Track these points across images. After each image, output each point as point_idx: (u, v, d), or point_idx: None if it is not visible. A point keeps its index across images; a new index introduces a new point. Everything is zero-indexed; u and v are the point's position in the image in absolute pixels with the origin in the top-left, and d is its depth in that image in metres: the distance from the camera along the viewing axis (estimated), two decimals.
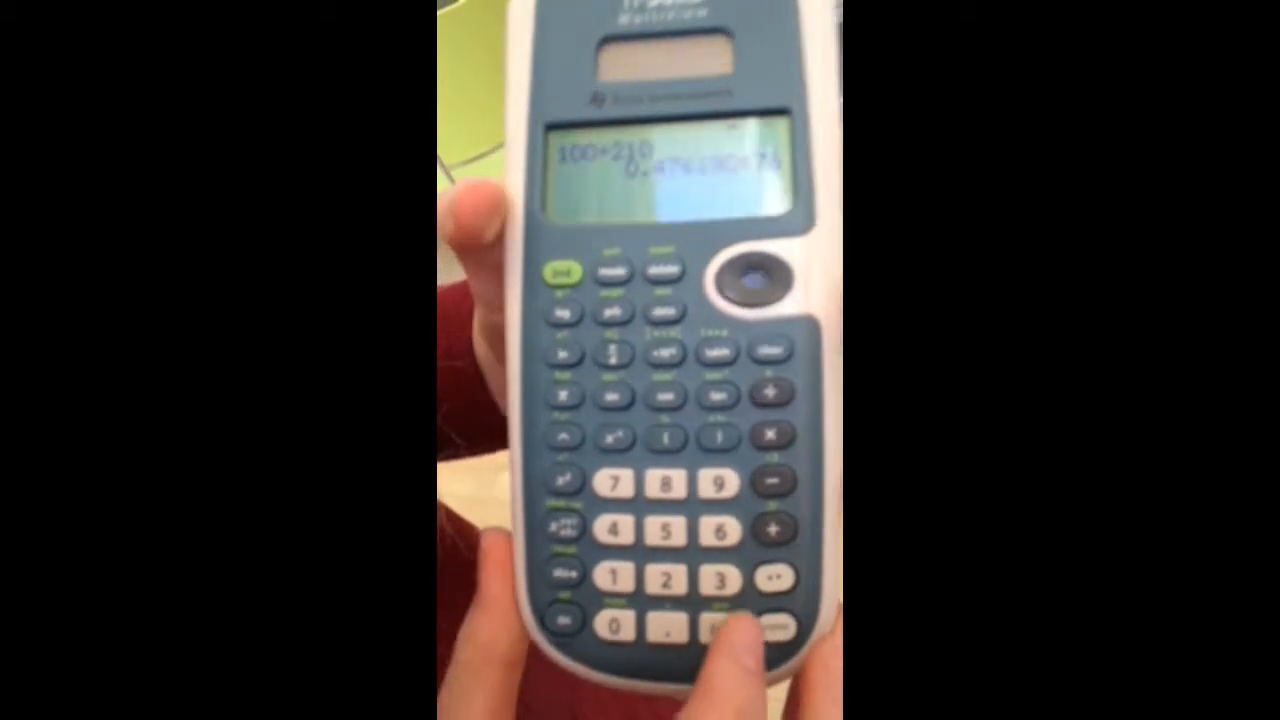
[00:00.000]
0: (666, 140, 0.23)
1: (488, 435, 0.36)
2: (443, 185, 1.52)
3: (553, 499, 0.23)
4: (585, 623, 0.22)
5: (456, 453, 0.38)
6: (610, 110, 0.23)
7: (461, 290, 0.36)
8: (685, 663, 0.22)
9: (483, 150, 1.53)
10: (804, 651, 0.22)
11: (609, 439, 0.22)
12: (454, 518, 0.43)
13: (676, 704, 0.21)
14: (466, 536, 0.42)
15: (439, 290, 0.38)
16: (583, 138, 0.24)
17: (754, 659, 0.21)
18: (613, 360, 0.23)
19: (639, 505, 0.22)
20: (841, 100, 0.22)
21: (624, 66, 0.23)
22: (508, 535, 0.23)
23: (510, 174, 0.24)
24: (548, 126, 0.24)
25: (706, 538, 0.22)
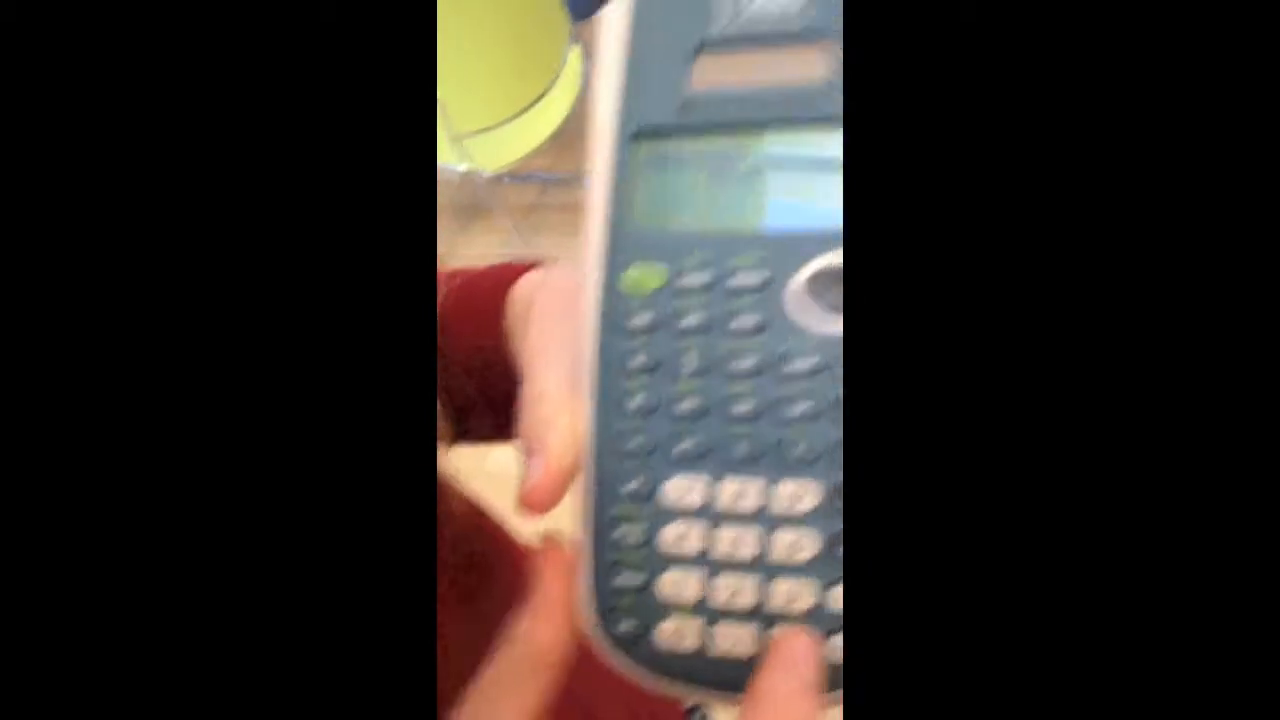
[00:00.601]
0: (757, 148, 0.23)
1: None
2: (451, 157, 1.50)
3: (620, 505, 0.22)
4: (648, 630, 0.22)
5: (493, 435, 0.38)
6: (700, 117, 0.23)
7: (502, 273, 0.36)
8: (749, 675, 0.21)
9: (495, 121, 1.51)
10: None
11: (681, 447, 0.22)
12: (495, 530, 0.43)
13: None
14: (482, 542, 0.42)
15: (480, 271, 0.38)
16: (671, 145, 0.23)
17: (810, 672, 0.20)
18: (689, 369, 0.22)
19: (709, 515, 0.22)
20: None
21: (718, 73, 0.23)
22: (565, 541, 0.23)
23: (594, 178, 0.23)
24: (636, 133, 0.23)
25: (779, 552, 0.21)
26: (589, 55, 1.58)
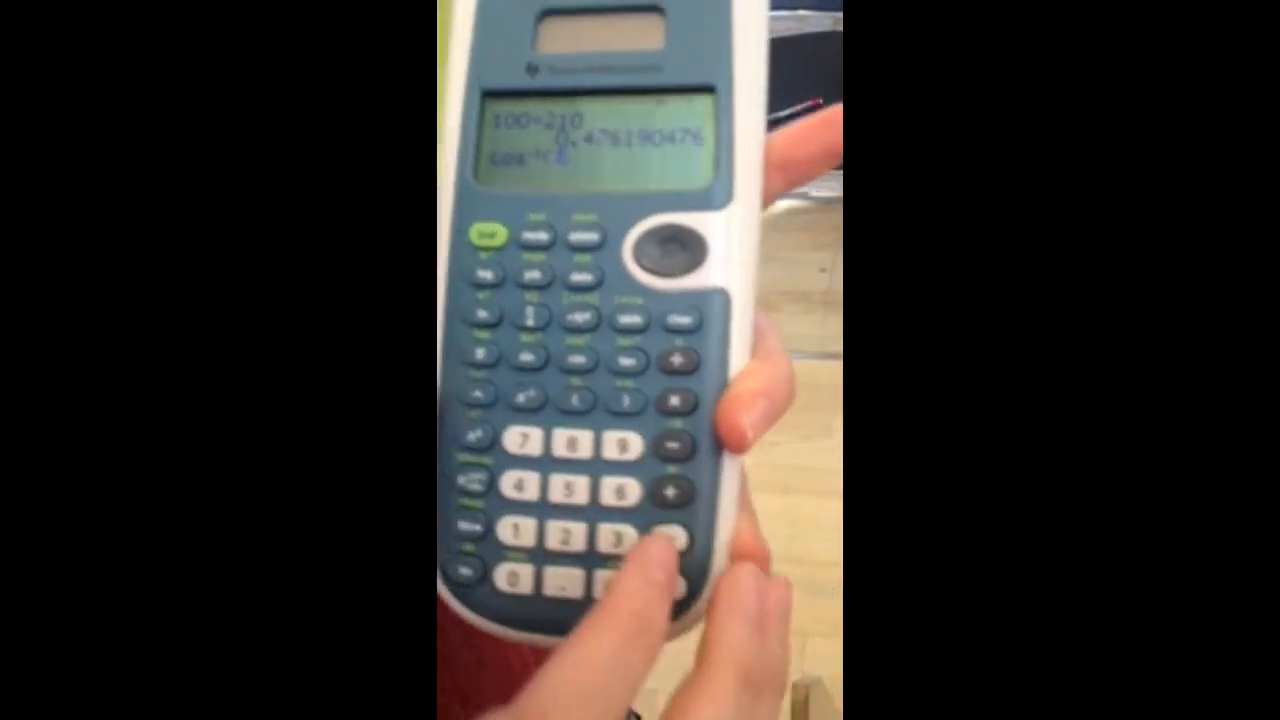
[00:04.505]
0: (596, 112, 0.24)
1: None
2: None
3: (464, 454, 0.23)
4: (485, 574, 0.23)
5: None
6: (545, 81, 0.24)
7: None
8: (579, 617, 0.22)
9: None
10: (695, 609, 0.22)
11: (521, 398, 0.23)
12: None
13: None
14: None
15: None
16: (517, 106, 0.24)
17: (661, 573, 0.20)
18: (530, 322, 0.23)
19: (545, 463, 0.23)
20: (766, 80, 0.23)
21: (561, 39, 0.24)
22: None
23: (445, 135, 0.24)
24: (484, 93, 0.24)
25: (607, 497, 0.22)
26: None
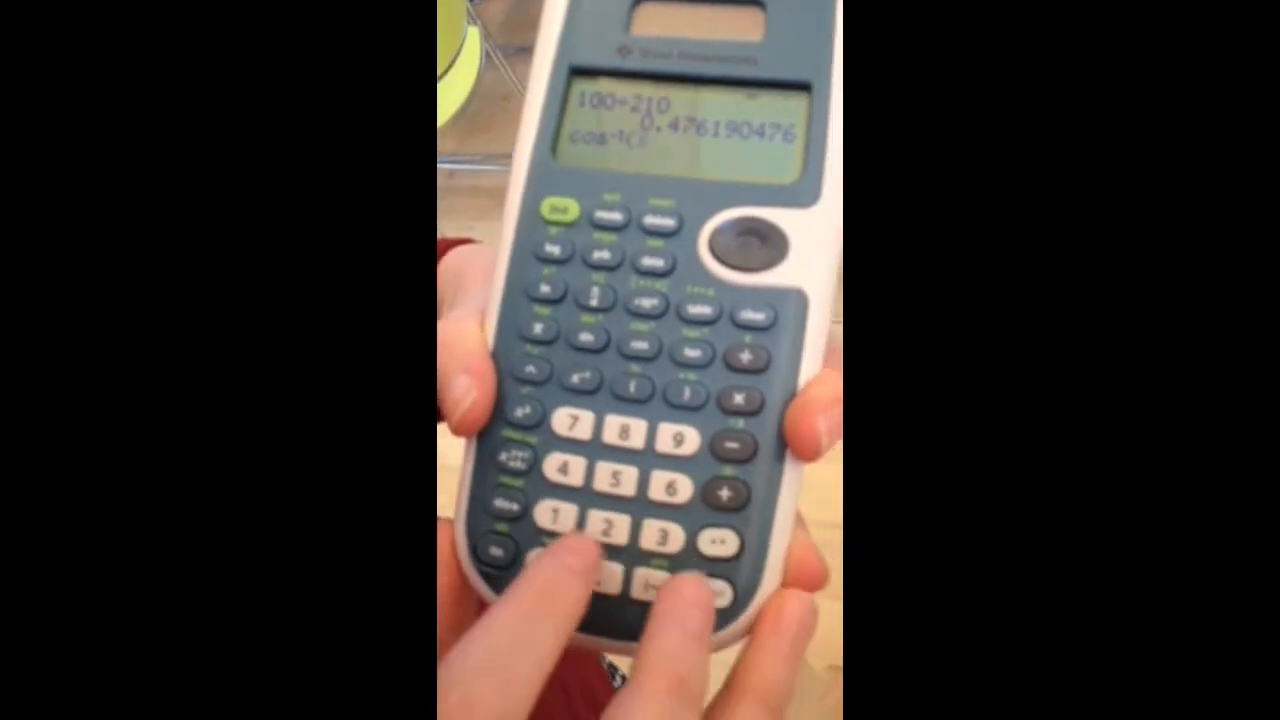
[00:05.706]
0: (686, 99, 0.24)
1: None
2: None
3: (509, 429, 0.23)
4: (517, 558, 0.22)
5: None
6: (635, 62, 0.24)
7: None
8: (613, 615, 0.21)
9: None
10: (740, 621, 0.22)
11: (575, 379, 0.22)
12: None
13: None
14: None
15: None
16: (604, 86, 0.24)
17: (700, 622, 0.20)
18: (593, 302, 0.23)
19: (594, 449, 0.22)
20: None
21: (656, 23, 0.24)
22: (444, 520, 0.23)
23: (528, 108, 0.24)
24: (572, 70, 0.24)
25: (656, 492, 0.22)
26: (487, 35, 1.56)
